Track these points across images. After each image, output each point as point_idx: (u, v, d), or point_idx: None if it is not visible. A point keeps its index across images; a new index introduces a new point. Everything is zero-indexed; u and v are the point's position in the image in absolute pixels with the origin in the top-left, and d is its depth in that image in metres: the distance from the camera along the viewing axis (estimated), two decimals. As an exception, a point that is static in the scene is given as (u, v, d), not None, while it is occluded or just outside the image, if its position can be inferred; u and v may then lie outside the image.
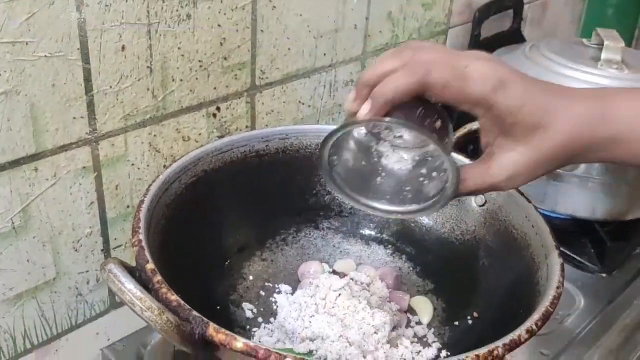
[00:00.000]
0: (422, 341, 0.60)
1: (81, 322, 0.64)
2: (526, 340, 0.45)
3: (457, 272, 0.65)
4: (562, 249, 0.54)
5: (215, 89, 0.66)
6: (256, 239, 0.68)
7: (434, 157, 0.50)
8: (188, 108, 0.64)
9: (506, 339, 0.45)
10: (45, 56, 0.52)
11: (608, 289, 0.77)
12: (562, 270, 0.52)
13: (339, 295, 0.60)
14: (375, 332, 0.57)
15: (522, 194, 0.62)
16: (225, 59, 0.65)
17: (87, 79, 0.55)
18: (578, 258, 0.80)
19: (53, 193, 0.57)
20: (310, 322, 0.57)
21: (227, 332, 0.43)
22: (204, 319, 0.43)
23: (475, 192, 0.50)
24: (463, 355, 0.43)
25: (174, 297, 0.45)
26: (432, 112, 0.47)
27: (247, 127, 0.71)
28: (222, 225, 0.64)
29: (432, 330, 0.61)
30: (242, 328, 0.60)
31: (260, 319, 0.61)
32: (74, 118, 0.56)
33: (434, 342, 0.60)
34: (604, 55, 0.82)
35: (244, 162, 0.66)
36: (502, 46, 0.93)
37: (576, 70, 0.80)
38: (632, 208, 0.82)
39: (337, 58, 0.78)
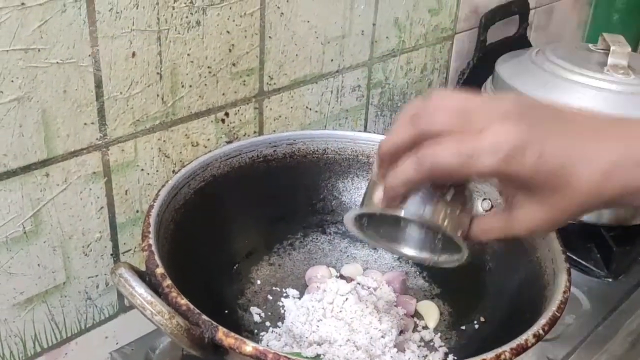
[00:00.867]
0: (429, 345, 0.61)
1: (90, 325, 0.64)
2: (533, 344, 0.46)
3: (463, 277, 0.65)
4: (567, 253, 0.55)
5: (223, 94, 0.67)
6: (264, 244, 0.68)
7: None
8: (197, 113, 0.65)
9: (513, 343, 0.45)
10: (57, 63, 0.53)
11: (614, 294, 0.77)
12: (569, 274, 0.52)
13: (346, 299, 0.61)
14: (382, 336, 0.58)
15: (529, 199, 0.62)
16: (234, 64, 0.66)
17: (98, 85, 0.56)
18: (584, 263, 0.80)
19: (63, 198, 0.57)
20: (318, 326, 0.58)
21: (236, 335, 0.43)
22: (213, 322, 0.44)
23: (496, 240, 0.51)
24: (470, 360, 0.43)
25: (183, 301, 0.45)
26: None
27: (255, 132, 0.72)
28: (230, 229, 0.64)
29: (439, 334, 0.62)
30: (249, 332, 0.61)
31: (267, 323, 0.62)
32: (85, 124, 0.56)
33: (440, 346, 0.60)
34: (610, 60, 0.82)
35: (251, 167, 0.66)
36: (508, 51, 0.94)
37: (582, 75, 0.81)
38: (638, 213, 0.82)
39: (344, 64, 0.79)
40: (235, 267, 0.65)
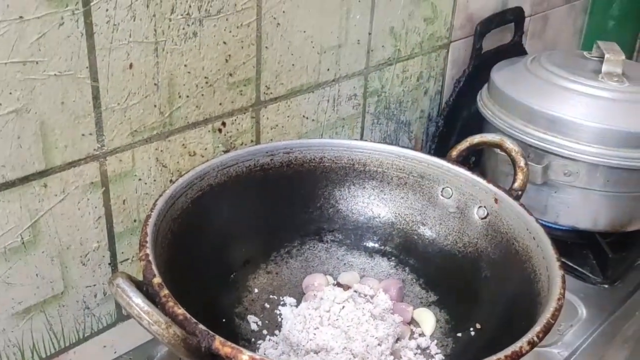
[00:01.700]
0: (425, 352, 0.61)
1: (88, 334, 0.65)
2: (527, 351, 0.46)
3: (459, 284, 0.66)
4: (563, 260, 0.55)
5: (220, 104, 0.67)
6: (261, 252, 0.69)
7: None
8: (194, 123, 0.65)
9: (507, 351, 0.45)
10: (55, 75, 0.53)
11: (610, 300, 0.77)
12: (563, 281, 0.53)
13: (343, 307, 0.61)
14: (378, 344, 0.58)
15: (523, 206, 0.62)
16: (231, 75, 0.67)
17: (96, 97, 0.56)
18: (580, 269, 0.81)
19: (61, 208, 0.58)
20: (315, 334, 0.58)
21: (233, 345, 0.43)
22: (210, 332, 0.44)
23: None
24: (465, 367, 0.43)
25: (180, 311, 0.46)
26: None
27: (251, 141, 0.72)
28: (228, 238, 0.65)
29: (435, 341, 0.62)
30: (247, 340, 0.61)
31: (265, 331, 0.62)
32: (83, 134, 0.57)
33: (436, 353, 0.61)
34: (604, 68, 0.83)
35: (248, 176, 0.67)
36: (504, 59, 0.95)
37: (577, 82, 0.81)
38: (633, 219, 0.83)
39: (340, 73, 0.79)
40: (232, 276, 0.66)
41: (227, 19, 0.64)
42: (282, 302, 0.65)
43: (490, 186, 0.66)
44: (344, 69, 0.79)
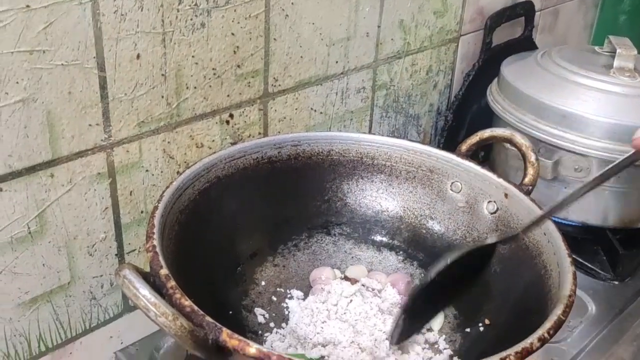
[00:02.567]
0: (433, 348, 0.61)
1: (95, 325, 0.64)
2: (538, 348, 0.45)
3: (468, 279, 0.65)
4: (573, 256, 0.55)
5: (228, 96, 0.67)
6: (268, 245, 0.68)
7: None
8: (201, 115, 0.65)
9: (518, 347, 0.45)
10: (62, 64, 0.53)
11: (620, 296, 0.77)
12: (574, 278, 0.52)
13: (351, 301, 0.61)
14: (386, 338, 0.57)
15: (534, 201, 0.62)
16: (239, 66, 0.66)
17: (103, 87, 0.56)
18: (590, 266, 0.80)
19: (68, 198, 0.57)
20: (322, 328, 0.58)
21: (240, 337, 0.43)
22: (217, 324, 0.44)
23: None
24: (474, 363, 0.43)
25: (187, 303, 0.45)
26: None
27: (259, 133, 0.72)
28: (235, 230, 0.64)
29: (443, 336, 0.61)
30: (253, 333, 0.61)
31: (272, 324, 0.62)
32: (90, 125, 0.56)
33: (445, 348, 0.60)
34: (616, 63, 0.82)
35: (256, 168, 0.66)
36: (514, 53, 0.94)
37: (588, 77, 0.81)
38: (644, 215, 0.82)
39: (348, 65, 0.78)
40: (239, 268, 0.65)
41: (235, 10, 0.63)
42: (289, 295, 0.65)
43: (501, 181, 0.65)
44: (353, 61, 0.79)
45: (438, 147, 0.71)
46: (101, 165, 0.59)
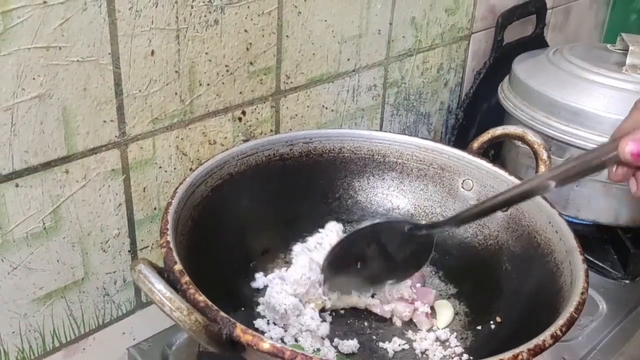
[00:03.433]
0: (444, 345, 0.61)
1: (108, 321, 0.65)
2: (550, 345, 0.45)
3: (479, 277, 0.65)
4: (585, 255, 0.54)
5: (240, 93, 0.67)
6: (279, 242, 0.68)
7: None
8: (214, 112, 0.65)
9: (530, 344, 0.45)
10: (78, 60, 0.53)
11: (631, 295, 0.76)
12: (587, 275, 0.52)
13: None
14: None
15: (546, 199, 0.62)
16: (251, 63, 0.66)
17: (117, 83, 0.56)
18: (601, 264, 0.80)
19: (82, 194, 0.58)
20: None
21: (254, 332, 0.43)
22: (231, 319, 0.44)
23: None
24: None
25: (201, 298, 0.46)
26: None
27: (271, 130, 0.72)
28: (247, 227, 0.65)
29: (455, 334, 0.61)
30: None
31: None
32: (104, 121, 0.57)
33: (456, 346, 0.60)
34: (628, 60, 0.81)
35: (268, 166, 0.66)
36: (525, 51, 0.93)
37: (600, 75, 0.80)
38: (655, 214, 0.82)
39: (360, 63, 0.79)
40: (251, 265, 0.65)
41: (248, 7, 0.63)
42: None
43: (513, 178, 0.65)
44: (364, 59, 0.79)
45: (449, 145, 0.71)
46: (115, 162, 0.59)
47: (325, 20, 0.72)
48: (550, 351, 0.46)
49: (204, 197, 0.60)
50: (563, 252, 0.56)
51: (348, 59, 0.77)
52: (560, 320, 0.47)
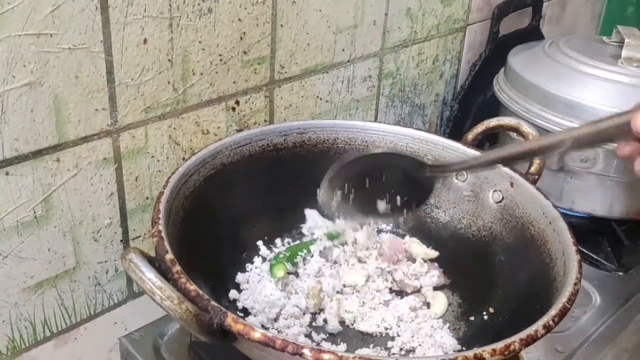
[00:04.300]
0: (438, 335, 0.60)
1: (99, 311, 0.65)
2: (542, 335, 0.45)
3: (473, 268, 0.65)
4: (578, 246, 0.54)
5: (234, 82, 0.66)
6: (272, 232, 0.68)
7: None
8: (207, 101, 0.65)
9: (523, 334, 0.45)
10: (69, 48, 0.53)
11: (624, 287, 0.76)
12: (580, 266, 0.52)
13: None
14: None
15: (540, 190, 0.62)
16: (245, 53, 0.66)
17: (109, 71, 0.56)
18: (594, 256, 0.80)
19: (74, 183, 0.57)
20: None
21: (245, 322, 0.43)
22: (222, 308, 0.44)
23: None
24: (480, 349, 0.43)
25: (192, 287, 0.45)
26: None
27: (265, 120, 0.71)
28: (240, 217, 0.64)
29: (448, 324, 0.61)
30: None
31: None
32: (96, 109, 0.56)
33: (449, 336, 0.60)
34: (624, 53, 0.81)
35: (261, 156, 0.66)
36: (521, 43, 0.93)
37: (596, 67, 0.80)
38: (650, 207, 0.82)
39: (355, 53, 0.78)
40: (244, 255, 0.65)
41: (242, -4, 0.63)
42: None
43: (507, 170, 0.65)
44: (359, 49, 0.78)
45: (444, 137, 0.71)
46: (107, 151, 0.59)
47: (320, 10, 0.71)
48: (543, 342, 0.46)
49: (196, 187, 0.60)
50: (556, 243, 0.56)
51: (343, 50, 0.76)
52: (553, 311, 0.47)
